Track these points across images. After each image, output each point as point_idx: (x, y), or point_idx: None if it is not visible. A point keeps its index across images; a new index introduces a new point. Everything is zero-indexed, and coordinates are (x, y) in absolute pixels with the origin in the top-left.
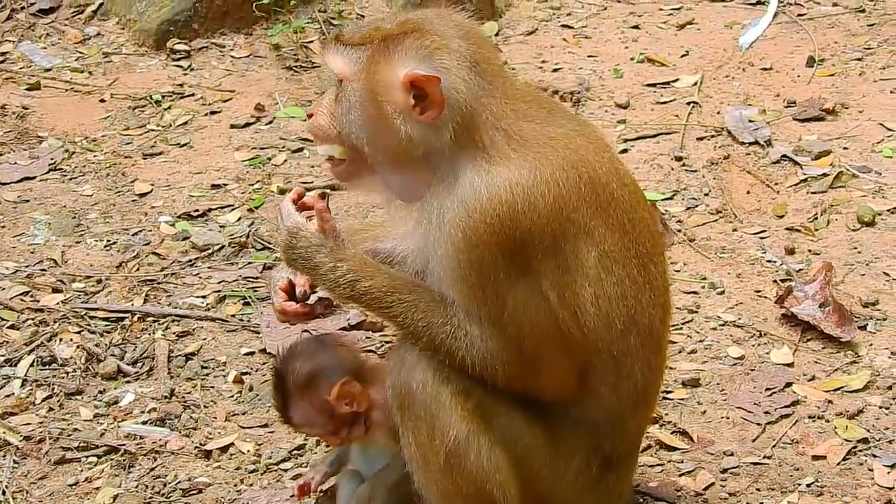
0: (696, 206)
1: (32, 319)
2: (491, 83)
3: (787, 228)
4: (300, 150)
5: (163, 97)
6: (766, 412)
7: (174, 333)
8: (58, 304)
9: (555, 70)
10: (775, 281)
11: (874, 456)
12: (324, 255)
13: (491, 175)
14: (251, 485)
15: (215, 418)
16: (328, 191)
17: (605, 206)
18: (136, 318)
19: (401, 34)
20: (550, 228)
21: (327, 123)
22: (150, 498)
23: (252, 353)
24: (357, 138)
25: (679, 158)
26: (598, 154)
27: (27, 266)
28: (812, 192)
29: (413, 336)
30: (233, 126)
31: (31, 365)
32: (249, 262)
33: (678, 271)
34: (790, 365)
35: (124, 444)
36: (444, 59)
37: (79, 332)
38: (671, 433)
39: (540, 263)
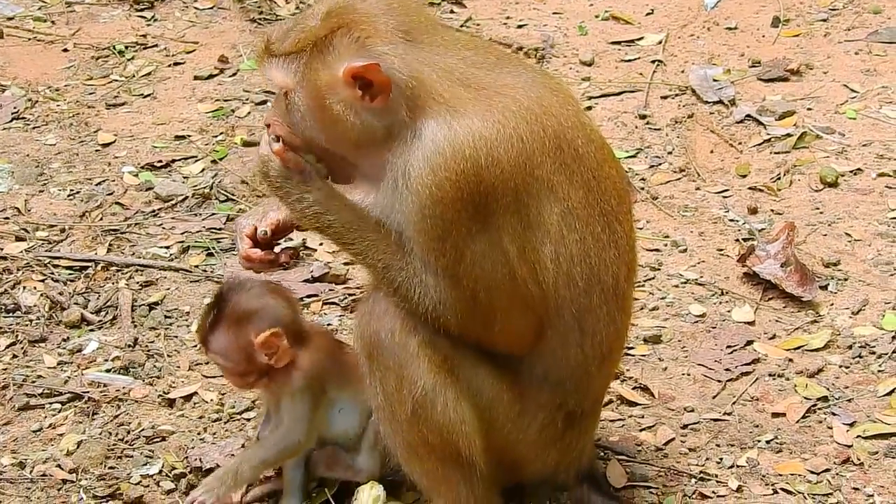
0: (660, 164)
1: None
2: (430, 41)
3: (749, 188)
4: (264, 102)
5: (126, 48)
6: (727, 369)
7: (137, 283)
8: (21, 252)
9: (519, 26)
10: (737, 240)
11: (833, 414)
12: (292, 185)
13: (453, 129)
14: (214, 433)
15: (178, 367)
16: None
17: (570, 163)
18: (99, 268)
19: (329, 34)
20: (513, 183)
21: (287, 133)
22: (113, 444)
23: None
24: (320, 140)
25: (643, 117)
26: (564, 107)
27: None
28: (775, 153)
29: (373, 274)
30: (196, 77)
31: None
32: (213, 214)
33: (641, 229)
34: (751, 323)
35: (88, 392)
36: (377, 42)
37: (42, 281)
38: (632, 389)
39: (501, 218)
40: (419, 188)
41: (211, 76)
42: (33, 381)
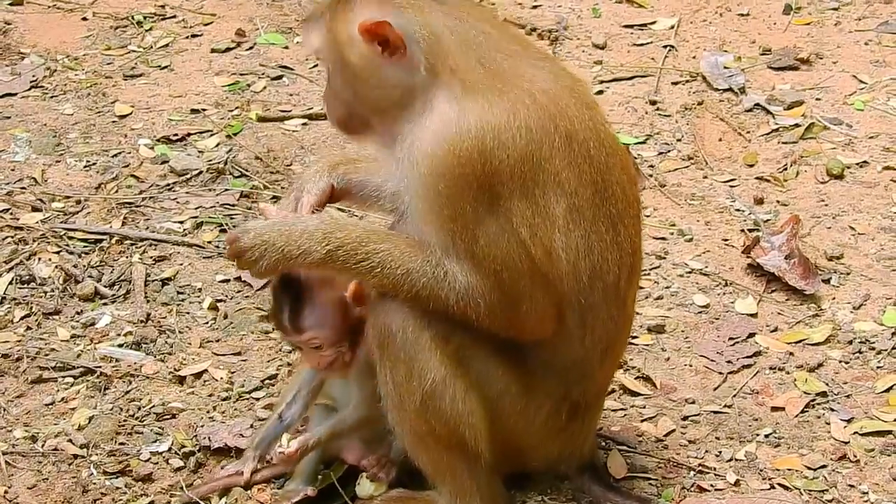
0: (669, 151)
1: (12, 237)
2: (457, 8)
3: (756, 178)
4: (280, 77)
5: (144, 18)
6: (729, 361)
7: (151, 257)
8: (37, 223)
9: (534, 7)
10: (743, 230)
11: (832, 410)
12: (287, 224)
13: (463, 110)
14: (223, 412)
15: (190, 344)
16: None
17: (580, 163)
18: (114, 241)
19: None
20: (521, 171)
21: (334, 105)
22: (124, 420)
23: (227, 281)
24: (348, 97)
25: (653, 102)
26: (581, 110)
27: (7, 183)
28: (783, 143)
29: (394, 287)
30: (213, 50)
31: (10, 283)
32: (227, 189)
33: (648, 216)
34: (754, 315)
35: (100, 367)
36: None
37: (57, 252)
38: (635, 378)
39: (509, 202)
40: (422, 162)
41: (228, 49)
42: (46, 354)
